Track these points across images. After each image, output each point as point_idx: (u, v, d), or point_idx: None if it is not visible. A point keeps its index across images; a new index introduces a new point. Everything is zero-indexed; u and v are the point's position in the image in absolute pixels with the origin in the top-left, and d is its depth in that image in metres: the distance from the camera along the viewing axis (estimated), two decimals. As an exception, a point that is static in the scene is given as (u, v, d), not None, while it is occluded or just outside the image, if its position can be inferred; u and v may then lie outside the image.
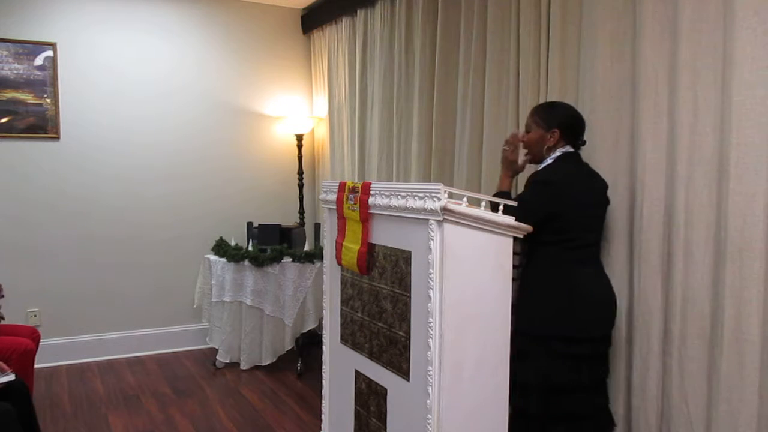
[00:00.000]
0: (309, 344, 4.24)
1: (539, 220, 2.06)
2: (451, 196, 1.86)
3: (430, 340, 1.87)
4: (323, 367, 2.65)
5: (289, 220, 4.82)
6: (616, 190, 2.23)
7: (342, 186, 2.33)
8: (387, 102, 3.83)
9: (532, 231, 2.03)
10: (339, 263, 2.42)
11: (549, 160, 2.23)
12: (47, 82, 4.15)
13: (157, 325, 4.55)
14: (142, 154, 4.45)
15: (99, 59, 4.29)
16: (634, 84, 2.18)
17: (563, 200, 2.10)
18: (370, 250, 2.20)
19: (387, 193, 2.06)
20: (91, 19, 4.25)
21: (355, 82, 4.23)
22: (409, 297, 2.00)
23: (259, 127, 4.84)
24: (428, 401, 1.89)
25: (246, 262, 4.01)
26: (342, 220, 2.36)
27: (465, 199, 1.88)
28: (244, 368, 4.11)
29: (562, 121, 2.21)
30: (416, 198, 1.91)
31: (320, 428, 2.72)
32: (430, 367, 1.88)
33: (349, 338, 2.42)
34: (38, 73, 4.13)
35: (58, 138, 4.20)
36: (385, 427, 2.16)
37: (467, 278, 1.90)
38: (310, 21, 4.86)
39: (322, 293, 2.71)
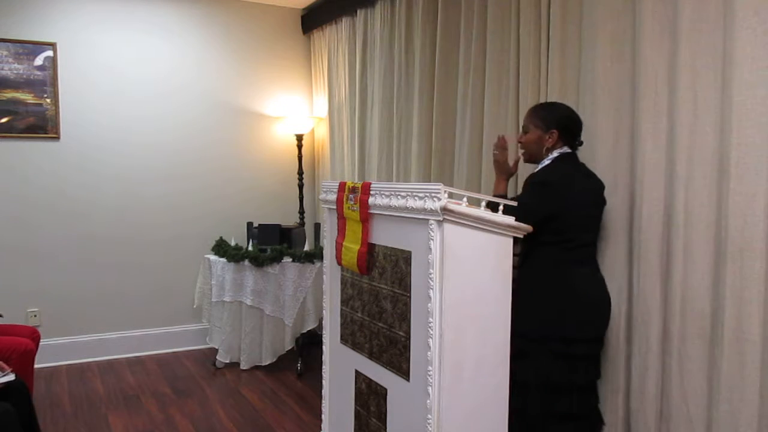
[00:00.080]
0: (309, 344, 4.24)
1: (538, 221, 2.06)
2: (451, 196, 1.86)
3: (430, 340, 1.87)
4: (323, 367, 2.65)
5: (289, 220, 4.82)
6: (615, 190, 2.23)
7: (342, 186, 2.33)
8: (387, 102, 3.83)
9: (532, 231, 2.03)
10: (339, 263, 2.42)
11: (547, 161, 2.23)
12: (47, 82, 4.15)
13: (157, 325, 4.55)
14: (142, 154, 4.45)
15: (99, 59, 4.29)
16: (633, 84, 2.18)
17: (562, 201, 2.10)
18: (370, 250, 2.20)
19: (387, 193, 2.06)
20: (90, 19, 4.25)
21: (355, 82, 4.23)
22: (409, 297, 2.00)
23: (259, 127, 4.84)
24: (428, 401, 1.89)
25: (246, 262, 4.01)
26: (342, 220, 2.36)
27: (465, 199, 1.88)
28: (244, 368, 4.11)
29: (560, 122, 2.21)
30: (416, 198, 1.91)
31: (320, 428, 2.72)
32: (430, 367, 1.88)
33: (349, 338, 2.42)
34: (38, 73, 4.13)
35: (58, 138, 4.20)
36: (385, 427, 2.16)
37: (467, 278, 1.90)
38: (310, 21, 4.86)
39: (322, 293, 2.71)
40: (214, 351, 4.23)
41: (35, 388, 3.29)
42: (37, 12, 4.10)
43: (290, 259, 4.04)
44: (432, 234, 1.86)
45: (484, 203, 1.95)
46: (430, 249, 1.86)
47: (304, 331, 4.15)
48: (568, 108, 2.27)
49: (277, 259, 4.00)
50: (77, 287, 4.29)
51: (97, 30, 4.27)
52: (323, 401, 2.67)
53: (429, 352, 1.88)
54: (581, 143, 2.28)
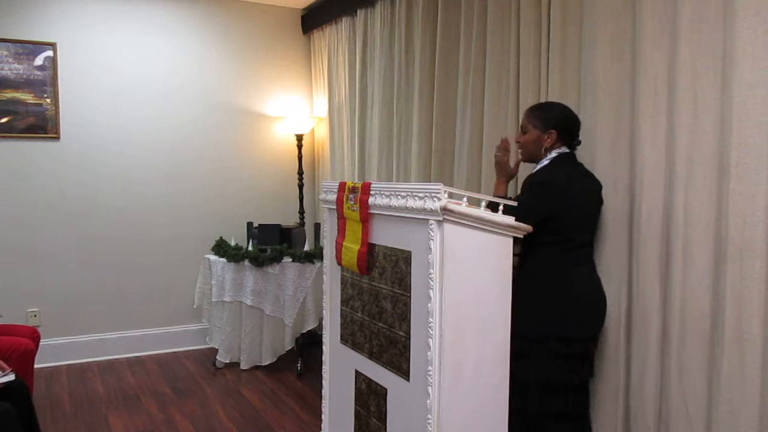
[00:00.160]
0: (309, 344, 4.24)
1: (538, 221, 2.06)
2: (451, 196, 1.86)
3: (430, 340, 1.87)
4: (323, 367, 2.65)
5: (289, 220, 4.82)
6: (615, 189, 2.23)
7: (342, 186, 2.33)
8: (387, 102, 3.83)
9: (532, 231, 2.04)
10: (339, 263, 2.42)
11: (545, 161, 2.23)
12: (47, 82, 4.15)
13: (157, 325, 4.55)
14: (142, 154, 4.45)
15: (99, 59, 4.29)
16: (633, 84, 2.17)
17: (561, 201, 2.11)
18: (370, 250, 2.20)
19: (387, 193, 2.06)
20: (91, 19, 4.25)
21: (355, 82, 4.23)
22: (409, 297, 2.00)
23: (259, 127, 4.84)
24: (428, 401, 1.89)
25: (246, 262, 4.01)
26: (342, 220, 2.35)
27: (465, 199, 1.88)
28: (244, 368, 4.11)
29: (558, 122, 2.21)
30: (416, 198, 1.91)
31: (320, 428, 2.72)
32: (430, 367, 1.88)
33: (349, 338, 2.42)
34: (38, 73, 4.13)
35: (58, 138, 4.20)
36: (385, 427, 2.16)
37: (467, 278, 1.90)
38: (310, 21, 4.86)
39: (322, 293, 2.71)
40: (214, 351, 4.23)
41: (35, 388, 3.29)
42: (37, 12, 4.10)
43: (290, 259, 4.03)
44: (432, 234, 1.86)
45: (484, 203, 1.95)
46: (430, 249, 1.86)
47: (304, 331, 4.15)
48: (567, 108, 2.27)
49: (277, 259, 4.00)
50: (77, 287, 4.29)
51: (97, 30, 4.27)
52: (323, 401, 2.67)
53: (429, 352, 1.88)
54: (579, 143, 2.28)
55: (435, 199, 1.83)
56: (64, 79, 4.18)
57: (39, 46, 4.11)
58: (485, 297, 1.95)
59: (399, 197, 1.99)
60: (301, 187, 4.82)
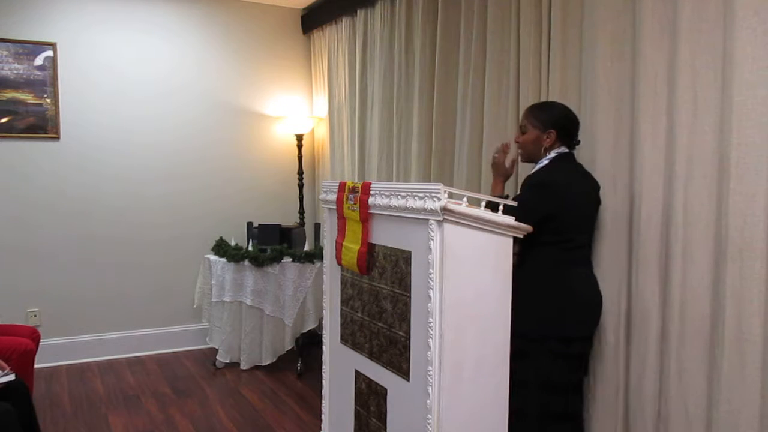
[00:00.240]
0: (309, 344, 4.24)
1: (538, 221, 2.06)
2: (451, 196, 1.86)
3: (430, 340, 1.87)
4: (323, 367, 2.65)
5: (289, 220, 4.82)
6: (615, 189, 2.23)
7: (342, 186, 2.33)
8: (387, 102, 3.83)
9: (532, 231, 2.04)
10: (339, 263, 2.42)
11: (545, 161, 2.23)
12: (47, 82, 4.15)
13: (157, 325, 4.55)
14: (142, 154, 4.45)
15: (99, 59, 4.29)
16: (633, 83, 2.17)
17: (561, 201, 2.11)
18: (370, 250, 2.20)
19: (387, 193, 2.06)
20: (91, 19, 4.25)
21: (355, 82, 4.23)
22: (409, 297, 2.00)
23: (259, 127, 4.84)
24: (428, 401, 1.89)
25: (246, 262, 4.01)
26: (342, 220, 2.35)
27: (465, 199, 1.88)
28: (244, 368, 4.11)
29: (558, 122, 2.21)
30: (416, 198, 1.91)
31: (320, 428, 2.72)
32: (430, 367, 1.88)
33: (349, 338, 2.42)
34: (38, 73, 4.13)
35: (58, 138, 4.20)
36: (385, 427, 2.16)
37: (467, 278, 1.90)
38: (310, 21, 4.86)
39: (322, 293, 2.71)
40: (214, 351, 4.23)
41: (35, 388, 3.29)
42: (37, 12, 4.10)
43: (290, 259, 4.03)
44: (432, 234, 1.86)
45: (484, 203, 1.95)
46: (430, 249, 1.86)
47: (304, 331, 4.15)
48: (566, 108, 2.27)
49: (277, 259, 4.00)
50: (77, 287, 4.29)
51: (97, 30, 4.27)
52: (323, 401, 2.67)
53: (429, 352, 1.88)
54: (578, 143, 2.28)
55: (435, 199, 1.83)
56: (64, 79, 4.18)
57: (39, 46, 4.11)
58: (485, 297, 1.95)
59: (399, 197, 1.99)
60: (301, 187, 4.82)
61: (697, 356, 1.96)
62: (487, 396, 1.98)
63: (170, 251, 4.55)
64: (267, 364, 4.12)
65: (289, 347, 4.14)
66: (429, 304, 1.87)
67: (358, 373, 2.35)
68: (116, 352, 4.39)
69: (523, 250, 2.18)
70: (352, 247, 2.26)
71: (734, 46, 1.81)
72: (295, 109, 4.87)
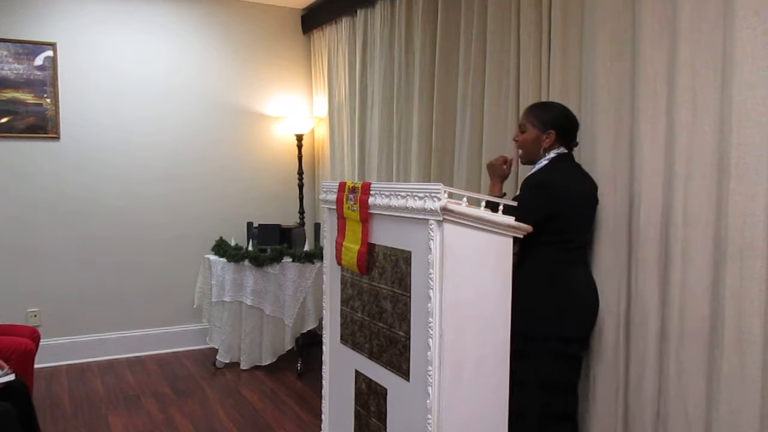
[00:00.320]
0: (309, 344, 4.24)
1: (538, 221, 2.06)
2: (451, 196, 1.86)
3: (430, 340, 1.87)
4: (323, 367, 2.65)
5: (289, 220, 4.82)
6: (614, 189, 2.23)
7: (342, 186, 2.33)
8: (387, 102, 3.83)
9: (532, 231, 2.04)
10: (339, 263, 2.42)
11: (544, 161, 2.23)
12: (47, 82, 4.15)
13: (157, 325, 4.55)
14: (142, 154, 4.45)
15: (99, 59, 4.29)
16: (633, 83, 2.17)
17: (561, 201, 2.11)
18: (370, 250, 2.20)
19: (387, 193, 2.06)
20: (91, 19, 4.25)
21: (355, 82, 4.23)
22: (409, 297, 2.00)
23: (259, 127, 4.84)
24: (428, 401, 1.89)
25: (246, 262, 4.01)
26: (342, 220, 2.35)
27: (465, 199, 1.88)
28: (244, 368, 4.11)
29: (557, 123, 2.21)
30: (416, 198, 1.91)
31: (320, 428, 2.72)
32: (430, 367, 1.88)
33: (349, 338, 2.42)
34: (38, 73, 4.13)
35: (58, 138, 4.20)
36: (385, 427, 2.16)
37: (467, 278, 1.90)
38: (310, 21, 4.86)
39: (322, 293, 2.71)
40: (214, 351, 4.23)
41: (35, 388, 3.29)
42: (37, 12, 4.10)
43: (290, 259, 4.04)
44: (432, 234, 1.86)
45: (483, 203, 1.95)
46: (430, 249, 1.86)
47: (304, 331, 4.15)
48: (565, 108, 2.27)
49: (277, 259, 4.00)
50: (77, 287, 4.29)
51: (97, 30, 4.27)
52: (323, 401, 2.67)
53: (429, 352, 1.88)
54: (577, 143, 2.28)
55: (435, 199, 1.83)
56: (64, 79, 4.18)
57: (39, 46, 4.11)
58: (485, 297, 1.95)
59: (399, 197, 1.99)
60: (301, 187, 4.82)
61: (697, 356, 1.95)
62: (487, 396, 1.98)
63: (170, 251, 4.55)
64: (267, 364, 4.12)
65: (289, 347, 4.14)
66: (429, 304, 1.87)
67: (358, 373, 2.35)
68: (116, 352, 4.39)
69: (522, 250, 2.18)
70: (352, 247, 2.27)
71: (734, 46, 1.81)
72: (295, 109, 4.87)
